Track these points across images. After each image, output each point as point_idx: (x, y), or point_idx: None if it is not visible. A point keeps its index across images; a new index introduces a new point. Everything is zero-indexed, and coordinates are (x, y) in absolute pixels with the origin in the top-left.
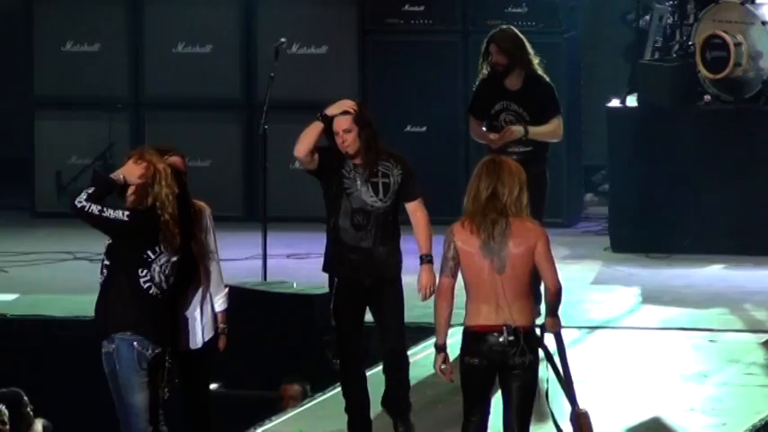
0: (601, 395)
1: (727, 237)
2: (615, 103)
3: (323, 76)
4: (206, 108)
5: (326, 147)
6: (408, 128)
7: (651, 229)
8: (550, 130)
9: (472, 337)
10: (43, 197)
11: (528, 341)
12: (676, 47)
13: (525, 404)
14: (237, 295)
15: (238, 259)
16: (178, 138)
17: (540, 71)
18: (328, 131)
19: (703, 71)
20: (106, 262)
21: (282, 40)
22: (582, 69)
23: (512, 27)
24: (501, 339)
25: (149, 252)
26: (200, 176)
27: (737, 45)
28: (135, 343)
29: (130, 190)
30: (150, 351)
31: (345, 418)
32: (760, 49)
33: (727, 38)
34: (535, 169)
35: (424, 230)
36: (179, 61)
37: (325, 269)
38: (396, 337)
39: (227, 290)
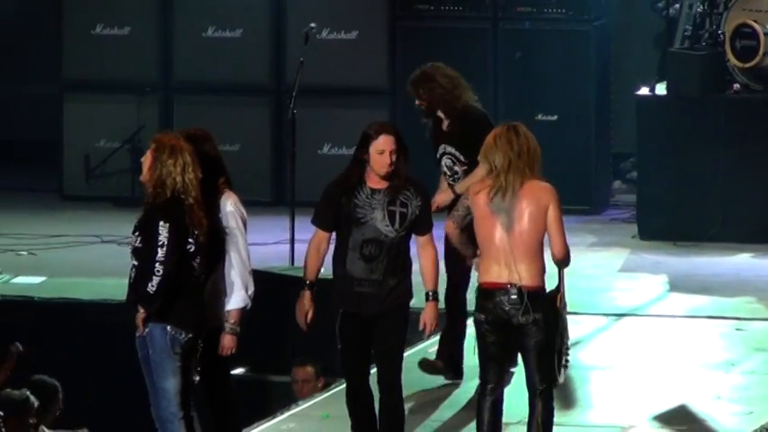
0: (627, 383)
1: (755, 225)
2: (644, 91)
3: (352, 61)
4: (235, 92)
5: (330, 195)
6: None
7: (679, 217)
8: (479, 175)
9: (482, 293)
10: (71, 180)
11: (533, 301)
12: (706, 35)
13: (540, 362)
14: (265, 280)
15: (266, 244)
16: (207, 122)
17: (472, 103)
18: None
19: (733, 60)
20: (138, 244)
21: (312, 25)
22: (611, 57)
23: (435, 65)
24: (506, 297)
25: (191, 241)
26: (228, 161)
27: (767, 34)
28: (168, 327)
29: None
30: (183, 336)
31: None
32: None
33: (757, 27)
34: None
35: (432, 266)
36: (209, 45)
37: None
38: (391, 367)
39: (245, 292)
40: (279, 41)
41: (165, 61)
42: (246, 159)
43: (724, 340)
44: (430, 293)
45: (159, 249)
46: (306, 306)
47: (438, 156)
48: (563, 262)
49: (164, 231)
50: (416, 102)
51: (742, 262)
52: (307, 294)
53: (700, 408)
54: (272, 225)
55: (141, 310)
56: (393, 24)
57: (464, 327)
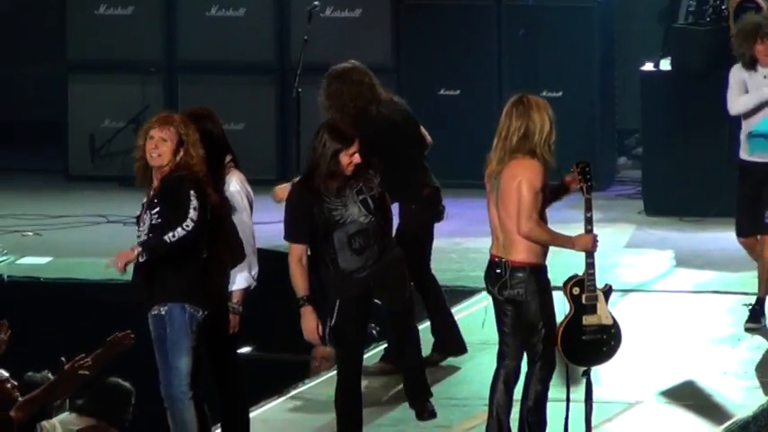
0: (634, 358)
1: None
2: (649, 66)
3: (356, 39)
4: (239, 71)
5: (300, 208)
6: (442, 91)
7: (685, 192)
8: None
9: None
10: (77, 160)
11: (513, 277)
12: (710, 11)
13: (527, 336)
14: (272, 258)
15: (271, 222)
16: (211, 101)
17: (377, 109)
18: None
19: None
20: (156, 221)
21: (316, 3)
22: (615, 33)
23: (350, 63)
24: (494, 271)
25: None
26: (233, 140)
27: None
28: (187, 306)
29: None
30: (200, 313)
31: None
32: None
33: (761, 1)
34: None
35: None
36: (212, 24)
37: (318, 300)
38: (401, 301)
39: (248, 272)
40: (282, 20)
41: (168, 41)
42: (251, 138)
43: (730, 315)
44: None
45: (192, 211)
46: (312, 322)
47: None
48: (527, 239)
49: (194, 200)
50: (321, 97)
51: None
52: (308, 310)
53: (706, 383)
54: (278, 203)
55: (135, 251)
56: (397, 2)
57: (442, 302)
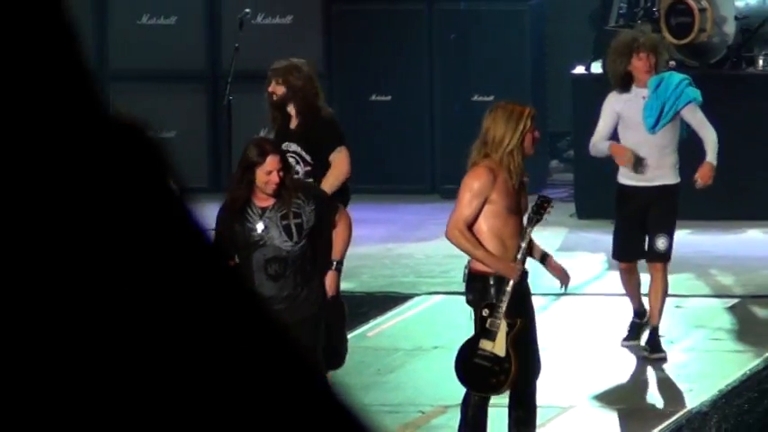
0: (566, 362)
1: (691, 202)
2: (580, 69)
3: (288, 45)
4: (171, 79)
5: (221, 224)
6: (373, 97)
7: None
8: (334, 175)
9: None
10: None
11: (469, 282)
12: (641, 12)
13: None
14: None
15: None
16: (143, 109)
17: (320, 103)
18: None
19: (668, 37)
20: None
21: (247, 10)
22: (547, 37)
23: (300, 60)
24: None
25: None
26: None
27: (702, 11)
28: None
29: None
30: None
31: None
32: (724, 14)
33: (692, 3)
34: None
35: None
36: (144, 33)
37: None
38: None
39: None
40: (213, 28)
41: (100, 49)
42: (183, 146)
43: (663, 318)
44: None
45: None
46: None
47: None
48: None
49: None
50: (270, 90)
51: (680, 239)
52: None
53: (640, 386)
54: (209, 211)
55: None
56: (328, 8)
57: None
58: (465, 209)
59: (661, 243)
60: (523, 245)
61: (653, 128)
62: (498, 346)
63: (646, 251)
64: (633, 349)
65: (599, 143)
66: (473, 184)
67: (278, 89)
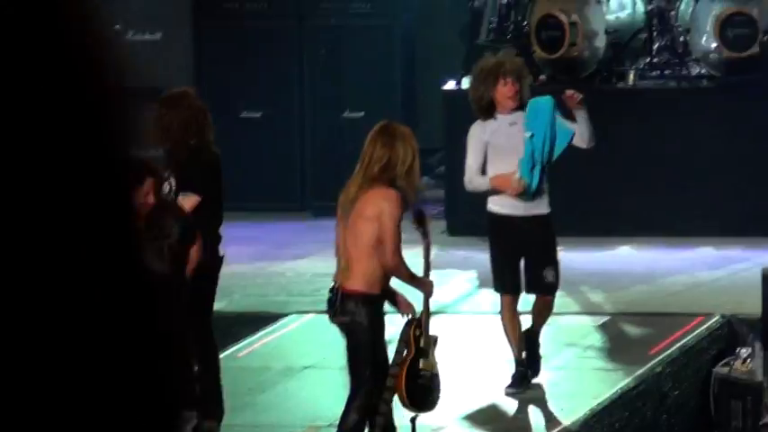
0: None
1: (566, 218)
2: (451, 85)
3: (157, 62)
4: None
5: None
6: (244, 113)
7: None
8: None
9: None
10: None
11: (344, 304)
12: (511, 27)
13: (353, 363)
14: None
15: None
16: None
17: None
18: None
19: (538, 51)
20: None
21: (117, 26)
22: (417, 51)
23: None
24: (330, 294)
25: None
26: None
27: (572, 25)
28: None
29: None
30: None
31: None
32: (595, 28)
33: (562, 17)
34: None
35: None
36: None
37: None
38: None
39: None
40: None
41: None
42: None
43: None
44: None
45: None
46: None
47: None
48: (391, 271)
49: None
50: (161, 114)
51: None
52: None
53: (511, 405)
54: None
55: None
56: (198, 24)
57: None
58: (398, 234)
59: (551, 275)
60: (429, 261)
61: (530, 183)
62: (433, 364)
63: (534, 285)
64: (505, 367)
65: (475, 179)
66: (394, 211)
67: (166, 116)
